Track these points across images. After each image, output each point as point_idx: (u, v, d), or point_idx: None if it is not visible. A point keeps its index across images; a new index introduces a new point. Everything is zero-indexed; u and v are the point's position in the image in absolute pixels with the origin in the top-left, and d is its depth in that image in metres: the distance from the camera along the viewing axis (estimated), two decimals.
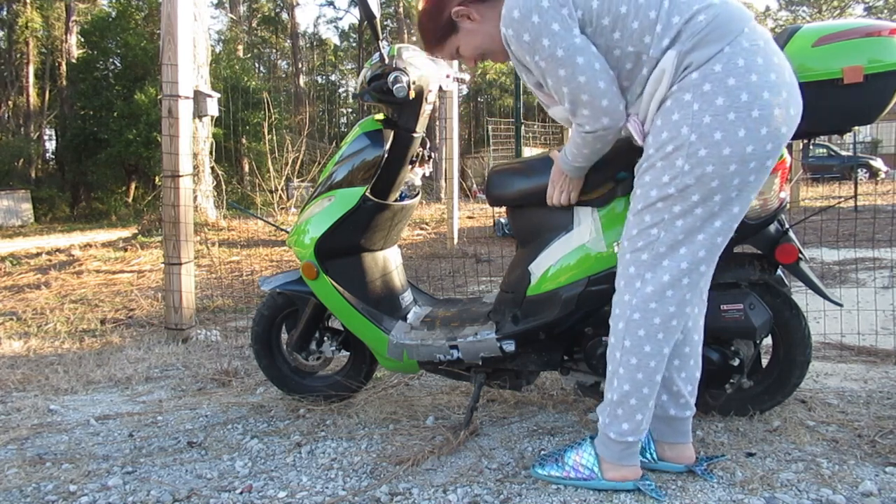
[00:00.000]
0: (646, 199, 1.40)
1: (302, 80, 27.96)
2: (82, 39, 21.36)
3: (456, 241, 6.34)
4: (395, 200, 2.08)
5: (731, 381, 1.73)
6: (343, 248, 2.00)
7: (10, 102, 23.74)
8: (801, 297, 2.46)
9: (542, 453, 1.66)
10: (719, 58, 1.30)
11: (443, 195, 10.69)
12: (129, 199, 20.06)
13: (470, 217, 8.94)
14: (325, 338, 2.17)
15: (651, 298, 1.41)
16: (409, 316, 2.10)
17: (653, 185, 1.38)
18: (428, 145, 2.12)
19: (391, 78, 1.82)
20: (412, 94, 1.85)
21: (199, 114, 6.94)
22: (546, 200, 1.71)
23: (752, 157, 1.31)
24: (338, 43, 35.75)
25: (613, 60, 1.38)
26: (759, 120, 1.29)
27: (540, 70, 1.40)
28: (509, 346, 1.82)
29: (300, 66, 28.81)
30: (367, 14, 1.78)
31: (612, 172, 1.68)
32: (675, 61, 1.32)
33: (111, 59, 20.31)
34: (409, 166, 2.06)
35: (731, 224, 1.39)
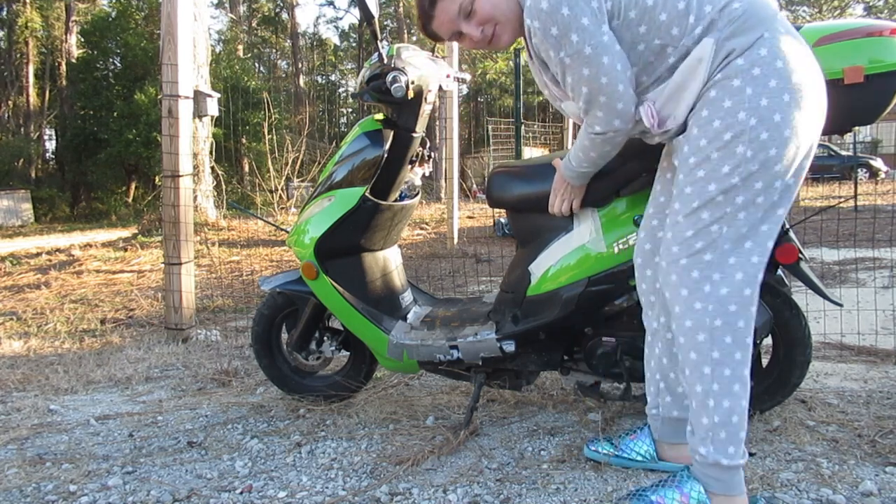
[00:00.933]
0: (703, 196, 1.31)
1: (302, 80, 27.96)
2: (82, 39, 21.36)
3: (456, 241, 6.34)
4: (395, 200, 2.08)
5: None
6: (343, 248, 2.00)
7: (10, 102, 23.74)
8: (801, 297, 2.46)
9: (626, 493, 1.45)
10: (762, 42, 1.28)
11: (443, 195, 10.69)
12: (129, 199, 20.06)
13: (470, 217, 8.94)
14: (325, 338, 2.17)
15: (729, 300, 1.30)
16: (409, 316, 2.10)
17: (710, 178, 1.31)
18: (428, 145, 2.12)
19: (390, 78, 1.82)
20: (411, 94, 1.85)
21: (199, 114, 6.94)
22: (548, 209, 1.71)
23: (808, 138, 1.30)
24: (338, 43, 35.76)
25: (636, 55, 1.35)
26: (807, 101, 1.28)
27: (563, 66, 1.36)
28: (509, 347, 1.82)
29: (300, 66, 28.82)
30: (366, 14, 1.78)
31: (616, 184, 1.69)
32: (713, 48, 1.29)
33: (111, 59, 20.31)
34: (409, 166, 2.06)
35: (787, 210, 1.34)
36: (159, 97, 3.39)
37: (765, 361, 1.89)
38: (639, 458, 1.61)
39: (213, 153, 8.62)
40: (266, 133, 10.04)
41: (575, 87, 1.37)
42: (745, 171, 1.28)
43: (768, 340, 1.85)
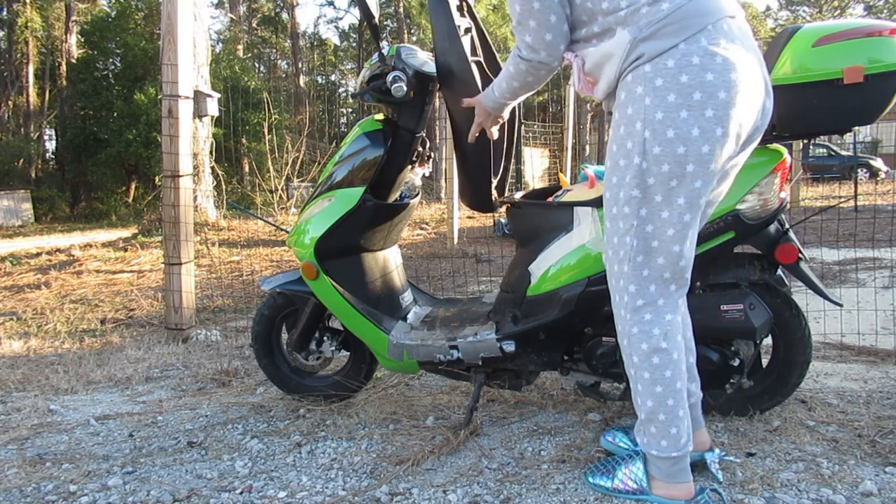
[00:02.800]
0: (617, 202, 1.37)
1: (302, 80, 27.94)
2: (82, 39, 21.34)
3: (456, 241, 6.34)
4: (395, 200, 2.08)
5: (732, 381, 1.73)
6: (343, 248, 2.00)
7: (10, 102, 23.73)
8: (801, 297, 2.46)
9: (596, 462, 1.62)
10: (672, 53, 1.26)
11: (443, 195, 10.68)
12: (129, 199, 20.04)
13: (470, 217, 8.94)
14: (325, 338, 2.17)
15: (644, 311, 1.40)
16: (409, 316, 2.10)
17: (619, 185, 1.36)
18: (428, 145, 2.12)
19: (390, 78, 1.82)
20: (411, 94, 1.85)
21: (199, 114, 6.94)
22: (468, 138, 1.71)
23: (710, 157, 1.28)
24: (338, 43, 35.74)
25: (576, 7, 1.37)
26: (713, 120, 1.26)
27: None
28: (509, 347, 1.82)
29: (300, 66, 28.80)
30: (365, 14, 1.78)
31: None
32: (627, 47, 1.30)
33: (111, 59, 20.28)
34: (409, 166, 2.06)
35: (696, 221, 1.36)
36: (159, 97, 3.39)
37: (765, 361, 1.89)
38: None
39: (213, 153, 8.61)
40: (266, 133, 10.04)
41: (511, 4, 1.39)
42: (642, 182, 1.32)
43: (768, 340, 1.85)
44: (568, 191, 1.90)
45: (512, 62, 1.47)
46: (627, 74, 1.32)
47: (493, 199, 1.90)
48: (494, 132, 1.69)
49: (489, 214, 8.23)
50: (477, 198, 1.91)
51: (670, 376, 1.40)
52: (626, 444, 1.66)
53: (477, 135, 1.71)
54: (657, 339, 1.39)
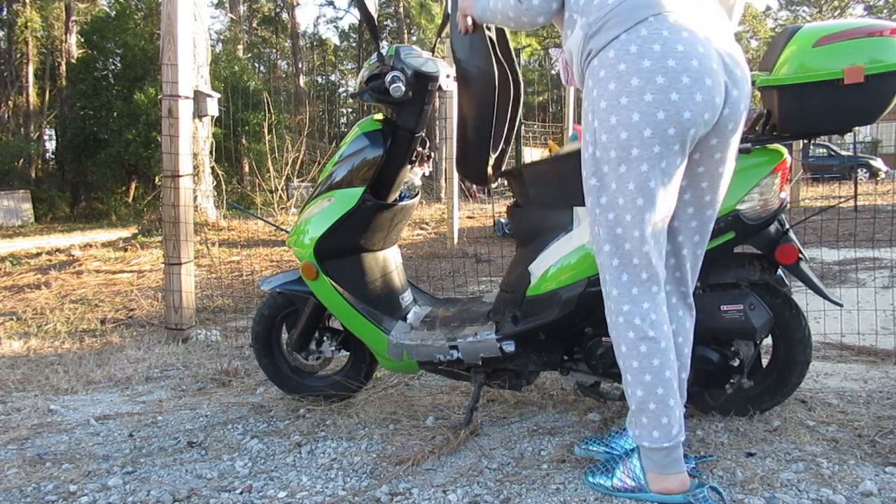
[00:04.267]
0: (587, 195, 1.45)
1: (302, 80, 27.94)
2: (82, 39, 21.34)
3: (456, 241, 6.34)
4: (395, 200, 2.08)
5: (731, 381, 1.73)
6: (343, 248, 2.00)
7: (10, 102, 23.73)
8: (801, 297, 2.46)
9: (595, 462, 1.61)
10: (613, 44, 1.33)
11: (443, 195, 10.69)
12: (129, 199, 20.05)
13: (470, 217, 8.94)
14: (325, 338, 2.17)
15: (622, 301, 1.42)
16: (409, 316, 2.10)
17: (586, 177, 1.44)
18: (428, 145, 2.12)
19: (389, 78, 1.82)
20: (410, 94, 1.85)
21: (199, 114, 6.94)
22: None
23: (653, 140, 1.32)
24: (338, 43, 35.75)
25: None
26: (653, 104, 1.31)
27: None
28: (509, 347, 1.82)
29: (300, 66, 28.80)
30: (364, 14, 1.78)
31: None
32: (581, 44, 1.39)
33: (111, 60, 20.28)
34: (409, 166, 2.06)
35: (670, 201, 1.41)
36: (159, 97, 3.39)
37: (765, 361, 1.89)
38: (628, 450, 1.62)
39: (213, 153, 8.61)
40: (266, 133, 10.03)
41: None
42: (597, 171, 1.40)
43: (768, 340, 1.85)
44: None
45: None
46: (585, 70, 1.41)
47: (489, 173, 1.90)
48: (460, 24, 1.70)
49: (489, 214, 8.21)
50: (473, 168, 1.90)
51: (658, 365, 1.41)
52: (600, 448, 1.66)
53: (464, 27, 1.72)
54: (642, 328, 1.41)
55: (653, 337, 1.41)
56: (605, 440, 1.68)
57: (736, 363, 1.70)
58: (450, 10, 1.77)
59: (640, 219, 1.38)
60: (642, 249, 1.39)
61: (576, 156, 1.60)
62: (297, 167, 9.19)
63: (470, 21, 1.67)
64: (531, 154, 9.68)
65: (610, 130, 1.35)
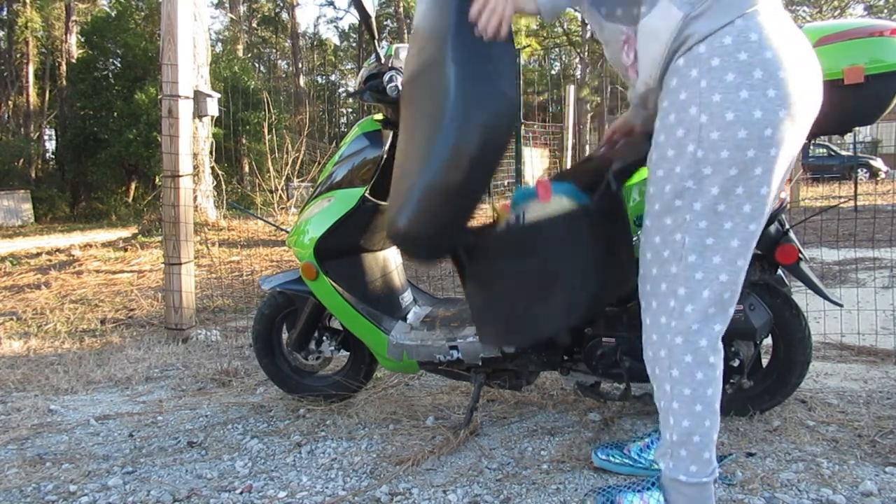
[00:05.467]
0: (662, 198, 1.24)
1: (302, 80, 27.94)
2: (82, 39, 21.33)
3: None
4: None
5: (732, 381, 1.73)
6: (343, 248, 2.00)
7: (10, 102, 23.72)
8: (801, 297, 2.46)
9: (595, 495, 1.45)
10: (729, 30, 1.15)
11: None
12: (129, 199, 20.04)
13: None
14: (325, 337, 2.17)
15: (693, 319, 1.24)
16: (409, 316, 2.10)
17: (666, 179, 1.22)
18: None
19: (386, 77, 1.82)
20: None
21: (199, 114, 6.93)
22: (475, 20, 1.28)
23: (773, 140, 1.16)
24: (338, 43, 35.75)
25: None
26: (775, 100, 1.15)
27: None
28: (509, 347, 1.82)
29: (300, 66, 28.80)
30: (362, 14, 1.78)
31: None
32: (678, 25, 1.18)
33: (111, 60, 20.28)
34: None
35: (761, 225, 1.23)
36: (159, 97, 3.39)
37: (765, 361, 1.89)
38: (654, 467, 1.54)
39: (213, 153, 8.61)
40: (266, 133, 10.03)
41: None
42: (697, 173, 1.19)
43: (768, 340, 1.85)
44: (522, 213, 1.50)
45: None
46: (679, 58, 1.19)
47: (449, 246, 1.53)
48: (504, 28, 1.28)
49: (489, 214, 8.22)
50: (435, 240, 1.46)
51: (711, 395, 1.26)
52: (620, 460, 1.60)
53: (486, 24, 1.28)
54: (704, 352, 1.24)
55: (712, 363, 1.26)
56: (628, 450, 1.60)
57: (736, 363, 1.70)
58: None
59: (742, 227, 1.21)
60: (737, 263, 1.23)
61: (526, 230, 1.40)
62: (297, 167, 9.18)
63: (509, 16, 1.27)
64: (531, 154, 9.66)
65: (725, 128, 1.15)
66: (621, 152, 1.59)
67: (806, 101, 1.19)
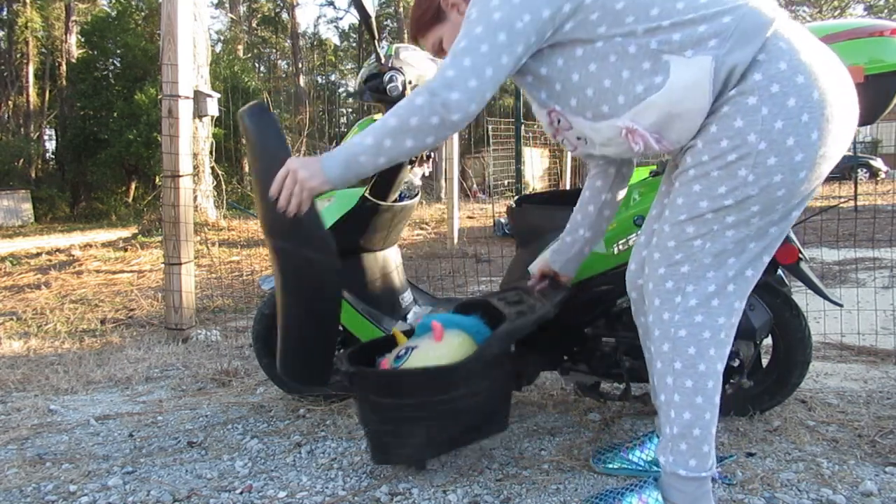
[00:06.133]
0: (692, 210, 1.25)
1: (302, 80, 27.93)
2: (82, 39, 21.34)
3: (456, 241, 6.35)
4: (395, 201, 2.08)
5: (731, 381, 1.73)
6: (342, 248, 2.00)
7: (10, 102, 23.73)
8: (801, 297, 2.46)
9: (595, 499, 1.44)
10: (776, 53, 1.17)
11: (443, 195, 10.68)
12: (129, 199, 20.05)
13: (470, 217, 8.95)
14: None
15: (696, 311, 1.27)
16: (409, 316, 2.10)
17: (704, 195, 1.24)
18: None
19: (386, 77, 1.82)
20: (408, 94, 1.85)
21: (199, 114, 6.93)
22: (270, 197, 1.32)
23: (823, 159, 1.20)
24: (338, 43, 35.75)
25: (629, 58, 1.22)
26: (829, 119, 1.17)
27: (466, 24, 1.24)
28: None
29: (300, 66, 28.79)
30: (362, 14, 1.78)
31: None
32: (712, 67, 1.17)
33: (111, 60, 20.29)
34: (409, 166, 2.05)
35: (783, 230, 1.28)
36: (159, 97, 3.39)
37: (765, 361, 1.89)
38: (654, 467, 1.56)
39: (213, 153, 8.61)
40: None
41: (458, 38, 1.24)
42: (741, 194, 1.21)
43: (768, 340, 1.85)
44: (411, 348, 1.61)
45: (420, 102, 1.22)
46: (730, 90, 1.19)
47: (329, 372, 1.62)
48: (304, 205, 1.31)
49: (489, 214, 8.19)
50: (310, 370, 1.62)
51: (712, 388, 1.28)
52: (619, 464, 1.60)
53: (284, 201, 1.31)
54: (706, 344, 1.27)
55: (712, 356, 1.29)
56: (624, 454, 1.61)
57: (736, 363, 1.70)
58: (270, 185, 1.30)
59: (768, 242, 1.27)
60: (745, 274, 1.28)
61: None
62: None
63: (307, 195, 1.30)
64: (531, 154, 9.67)
65: (784, 153, 1.17)
66: (544, 292, 1.69)
67: (848, 114, 1.22)
